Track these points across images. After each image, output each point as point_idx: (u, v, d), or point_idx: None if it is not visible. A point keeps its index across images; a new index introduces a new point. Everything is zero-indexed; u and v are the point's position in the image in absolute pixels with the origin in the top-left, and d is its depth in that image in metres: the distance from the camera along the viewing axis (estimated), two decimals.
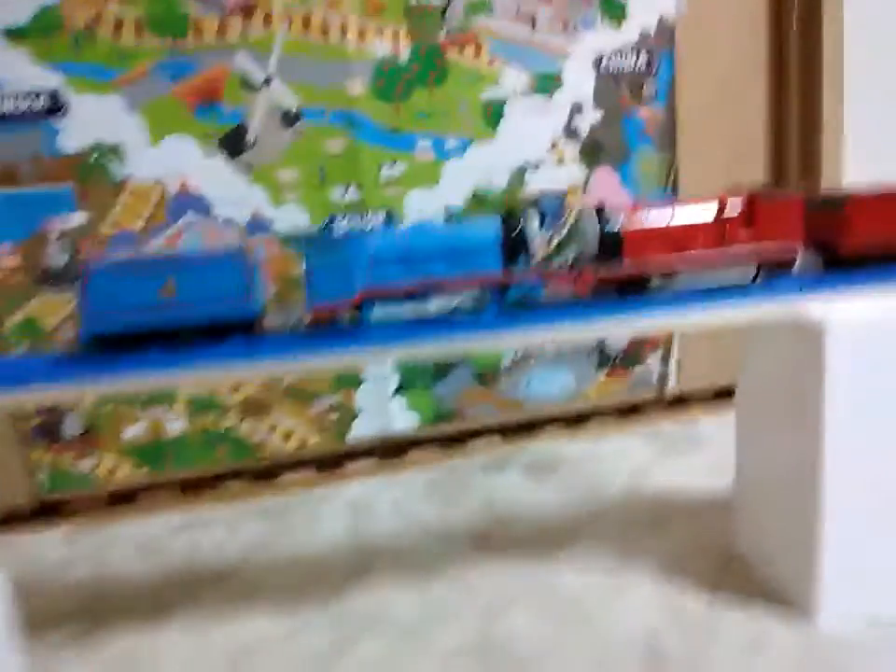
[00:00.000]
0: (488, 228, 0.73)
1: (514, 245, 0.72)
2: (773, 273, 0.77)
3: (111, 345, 0.71)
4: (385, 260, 0.70)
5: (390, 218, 1.23)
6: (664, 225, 0.74)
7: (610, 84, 1.31)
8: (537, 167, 1.30)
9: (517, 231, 0.73)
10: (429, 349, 0.74)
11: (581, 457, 1.24)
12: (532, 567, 0.91)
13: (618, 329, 0.75)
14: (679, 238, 0.74)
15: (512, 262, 0.72)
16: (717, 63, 1.37)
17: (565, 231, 0.79)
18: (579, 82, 1.29)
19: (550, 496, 1.10)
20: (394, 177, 1.23)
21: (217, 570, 0.96)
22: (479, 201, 1.28)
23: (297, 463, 1.32)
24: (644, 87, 1.33)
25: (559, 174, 1.32)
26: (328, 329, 0.73)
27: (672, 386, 1.48)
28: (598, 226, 0.73)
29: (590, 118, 1.31)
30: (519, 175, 1.29)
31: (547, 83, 1.28)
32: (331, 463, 1.33)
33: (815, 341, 0.71)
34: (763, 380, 0.83)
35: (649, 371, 1.46)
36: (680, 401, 1.50)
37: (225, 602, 0.88)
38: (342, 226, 0.65)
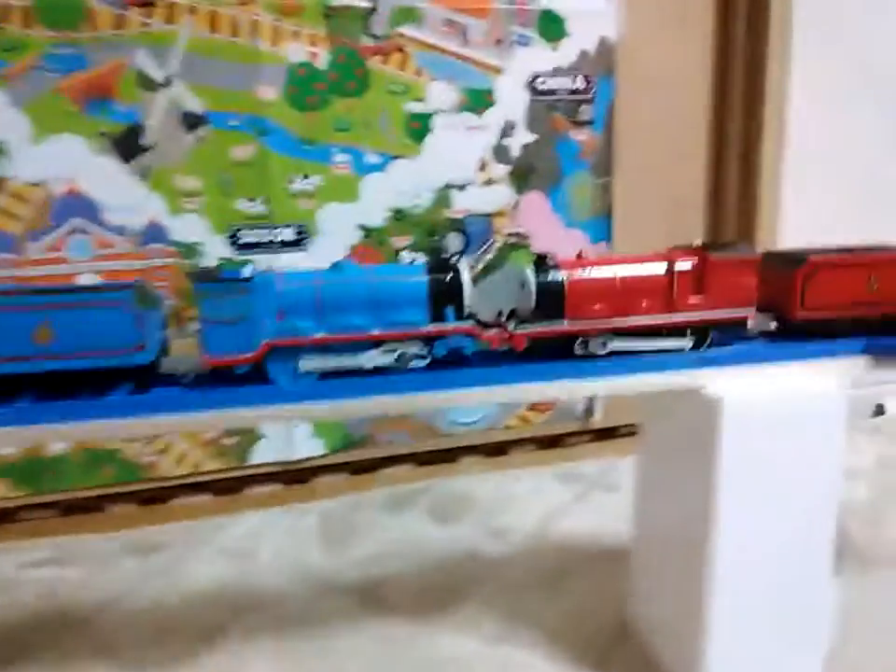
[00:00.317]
0: (414, 275, 0.64)
1: (443, 296, 0.64)
2: (721, 339, 0.70)
3: None
4: (295, 309, 0.62)
5: (301, 233, 1.16)
6: (609, 283, 0.67)
7: (545, 105, 1.24)
8: (463, 188, 1.23)
9: (448, 279, 0.64)
10: (343, 409, 0.65)
11: (493, 496, 1.17)
12: (417, 629, 0.84)
13: (551, 392, 0.69)
14: (625, 298, 0.67)
15: (441, 314, 0.64)
16: (659, 90, 1.32)
17: (497, 276, 0.71)
18: (511, 101, 1.23)
19: (452, 541, 1.03)
20: (307, 190, 1.15)
21: (68, 617, 0.88)
22: (400, 219, 1.21)
23: (192, 486, 1.24)
24: (581, 110, 1.27)
25: (487, 195, 1.25)
26: (229, 383, 0.63)
27: (597, 419, 1.42)
28: (537, 276, 0.66)
29: (522, 139, 1.25)
30: (444, 195, 1.22)
31: (477, 100, 1.21)
32: (229, 488, 1.25)
33: (711, 414, 0.66)
34: (662, 444, 0.78)
35: (574, 402, 1.40)
36: (606, 435, 1.45)
37: (65, 659, 0.80)
38: (247, 267, 0.56)
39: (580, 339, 0.67)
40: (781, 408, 0.67)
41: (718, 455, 0.66)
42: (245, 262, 1.14)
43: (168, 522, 1.15)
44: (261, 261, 1.15)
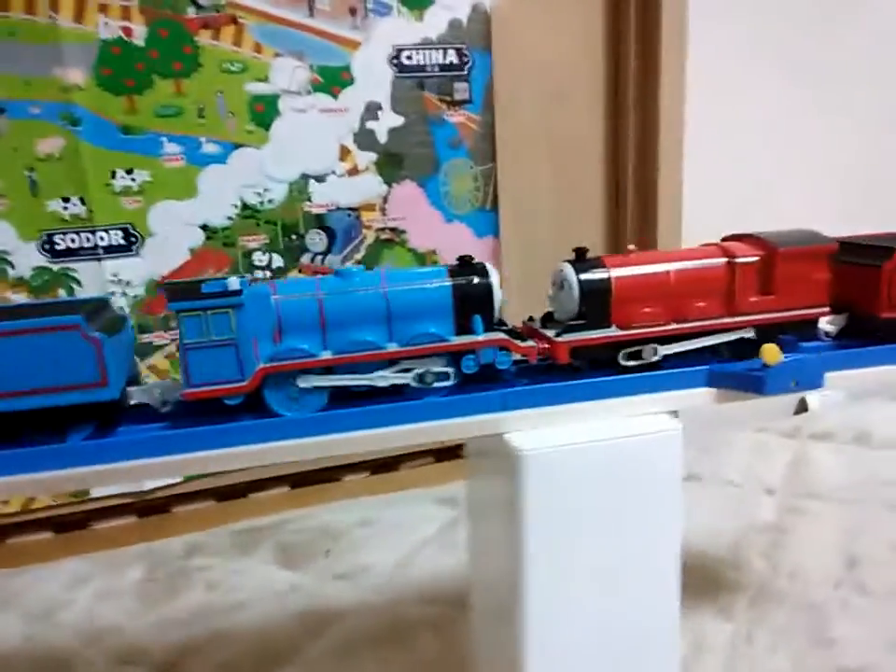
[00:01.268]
0: (435, 280, 0.55)
1: (471, 302, 0.55)
2: (792, 342, 0.61)
3: None
4: (296, 327, 0.52)
5: (130, 236, 1.01)
6: (662, 280, 0.59)
7: (413, 83, 1.10)
8: (323, 179, 1.09)
9: (475, 283, 0.55)
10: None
11: (357, 529, 1.04)
12: None
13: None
14: (680, 299, 0.58)
15: (468, 325, 0.55)
16: (543, 62, 1.18)
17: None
18: (372, 79, 1.08)
19: (292, 590, 0.89)
20: (132, 187, 1.00)
21: None
22: (249, 216, 1.07)
23: (33, 523, 1.10)
24: (456, 88, 1.13)
25: (352, 187, 1.11)
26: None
27: None
28: (578, 276, 0.57)
29: (388, 122, 1.10)
30: (300, 188, 1.08)
31: (332, 79, 1.07)
32: (75, 524, 1.12)
33: (514, 465, 0.54)
34: (480, 493, 0.66)
35: None
36: None
37: None
38: (233, 278, 0.49)
39: (641, 346, 0.57)
40: (600, 454, 0.55)
41: (524, 511, 0.54)
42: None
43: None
44: (84, 270, 1.00)
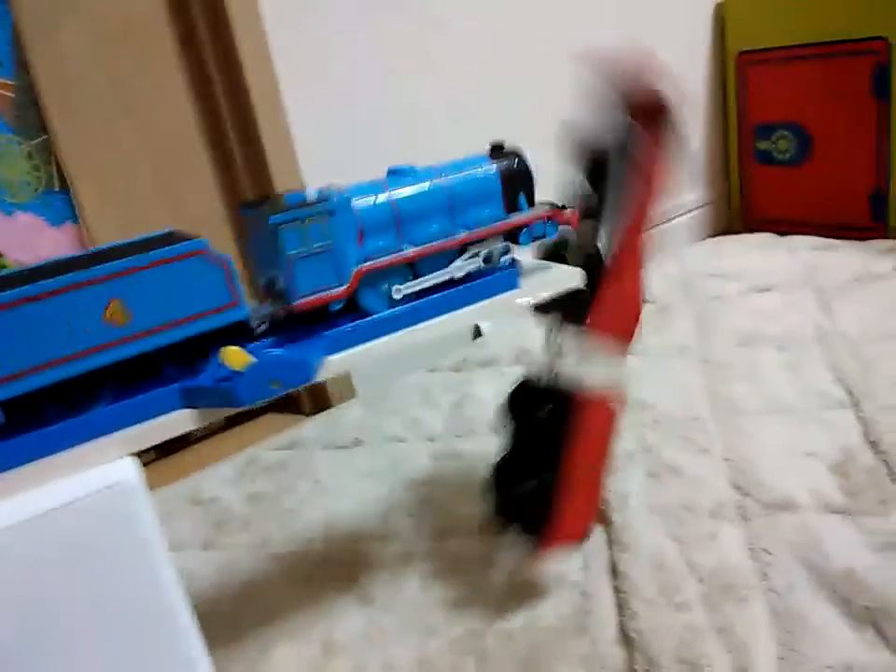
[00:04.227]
0: (482, 166, 0.60)
1: (515, 182, 0.60)
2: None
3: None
4: (375, 228, 0.54)
5: None
6: None
7: None
8: None
9: (517, 164, 0.61)
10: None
11: None
12: None
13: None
14: None
15: (515, 203, 0.61)
16: (86, 4, 0.99)
17: None
18: None
19: None
20: None
21: None
22: None
23: None
24: None
25: None
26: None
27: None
28: None
29: None
30: None
31: None
32: None
33: None
34: None
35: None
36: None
37: None
38: (309, 190, 0.50)
39: None
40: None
41: None
42: None
43: None
44: None
